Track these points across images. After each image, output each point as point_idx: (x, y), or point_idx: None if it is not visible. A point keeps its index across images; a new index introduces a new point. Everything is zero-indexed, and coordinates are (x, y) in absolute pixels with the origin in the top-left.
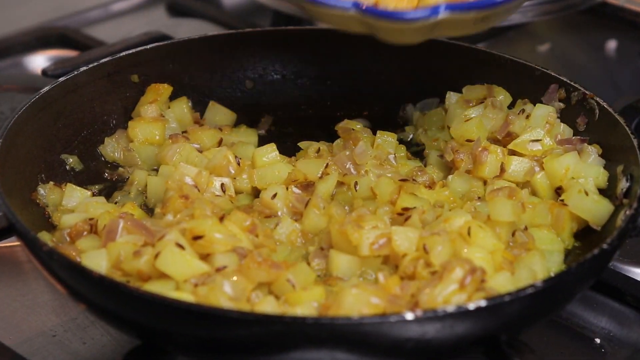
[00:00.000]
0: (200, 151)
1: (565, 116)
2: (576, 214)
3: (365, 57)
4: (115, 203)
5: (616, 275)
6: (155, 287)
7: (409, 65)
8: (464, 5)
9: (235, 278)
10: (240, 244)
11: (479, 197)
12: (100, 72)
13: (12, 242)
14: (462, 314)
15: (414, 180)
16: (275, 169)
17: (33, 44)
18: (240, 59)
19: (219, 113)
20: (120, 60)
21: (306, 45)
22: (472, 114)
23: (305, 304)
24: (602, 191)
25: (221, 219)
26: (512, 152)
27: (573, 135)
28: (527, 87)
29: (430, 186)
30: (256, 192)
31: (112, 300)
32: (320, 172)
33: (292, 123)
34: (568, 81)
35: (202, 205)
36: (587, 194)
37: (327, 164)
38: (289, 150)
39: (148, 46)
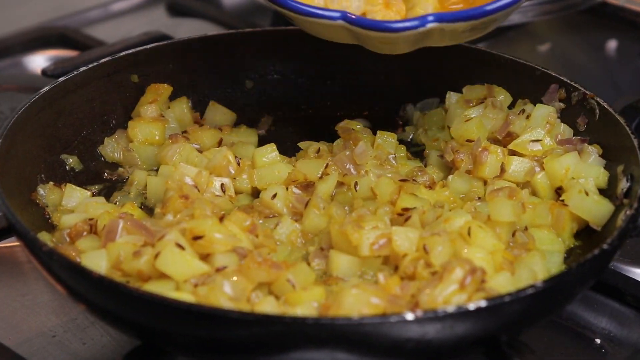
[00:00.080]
0: (200, 151)
1: (565, 116)
2: (576, 214)
3: (365, 57)
4: (115, 203)
5: (616, 275)
6: (155, 288)
7: (409, 65)
8: (452, 15)
9: (235, 278)
10: (240, 244)
11: (479, 198)
12: (100, 72)
13: (12, 243)
14: (462, 314)
15: (414, 180)
16: (275, 169)
17: (33, 43)
18: (240, 59)
19: (219, 113)
20: (120, 60)
21: (306, 45)
22: (472, 114)
23: (305, 304)
24: (602, 191)
25: (221, 219)
26: (513, 152)
27: (573, 136)
28: (527, 87)
29: (431, 186)
30: (256, 192)
31: (111, 301)
32: (320, 172)
33: (292, 123)
34: (568, 81)
35: (202, 205)
36: (587, 194)
37: (327, 164)
38: (289, 150)
39: (148, 46)
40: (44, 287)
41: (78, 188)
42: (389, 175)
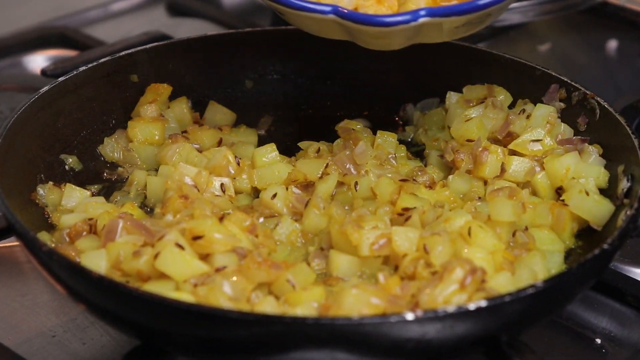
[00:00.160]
0: (200, 151)
1: (565, 116)
2: (577, 214)
3: (365, 57)
4: (115, 203)
5: (617, 275)
6: (155, 288)
7: (409, 65)
8: (445, 10)
9: (235, 278)
10: (240, 244)
11: (480, 197)
12: (100, 72)
13: (12, 242)
14: (462, 314)
15: (414, 180)
16: (275, 169)
17: (32, 43)
18: (240, 59)
19: (218, 113)
20: (120, 60)
21: (306, 45)
22: (472, 114)
23: (305, 304)
24: (602, 191)
25: (221, 219)
26: (513, 152)
27: (574, 135)
28: (527, 87)
29: (431, 186)
30: (256, 192)
31: (111, 301)
32: (320, 172)
33: (292, 123)
34: (569, 81)
35: (202, 205)
36: (587, 194)
37: (327, 164)
38: (289, 150)
39: (148, 46)
40: (44, 287)
41: (78, 188)
42: (389, 175)
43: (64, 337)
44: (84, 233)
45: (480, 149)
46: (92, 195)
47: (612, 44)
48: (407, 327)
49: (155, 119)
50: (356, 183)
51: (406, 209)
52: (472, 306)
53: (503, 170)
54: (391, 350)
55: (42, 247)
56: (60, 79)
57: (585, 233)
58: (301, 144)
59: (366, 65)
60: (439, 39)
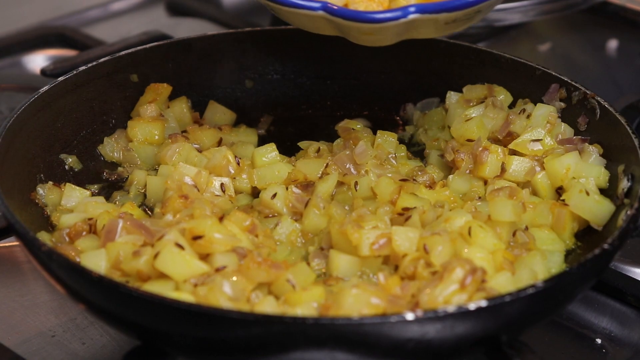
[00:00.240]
0: (200, 151)
1: (566, 116)
2: (577, 214)
3: (365, 57)
4: (115, 203)
5: (617, 275)
6: (155, 288)
7: (409, 65)
8: (435, 7)
9: (235, 278)
10: (240, 244)
11: (480, 197)
12: (100, 72)
13: (11, 242)
14: (462, 314)
15: (414, 180)
16: (275, 169)
17: (32, 43)
18: (240, 59)
19: (218, 112)
20: (120, 60)
21: (306, 45)
22: (472, 114)
23: (305, 304)
24: (603, 191)
25: (221, 219)
26: (513, 152)
27: (574, 135)
28: (527, 86)
29: (431, 186)
30: (256, 192)
31: (111, 301)
32: (320, 172)
33: (292, 123)
34: (569, 81)
35: (202, 205)
36: (588, 194)
37: (327, 164)
38: (289, 150)
39: (147, 46)
40: (43, 287)
41: (77, 188)
42: (389, 175)
43: (64, 337)
44: (84, 233)
45: (480, 148)
46: (92, 195)
47: (613, 44)
48: (407, 327)
49: (155, 118)
50: (356, 183)
51: (406, 209)
52: (472, 306)
53: (503, 170)
54: (391, 351)
55: (42, 247)
56: (60, 78)
57: (586, 233)
58: (301, 144)
59: (366, 65)
60: (429, 34)
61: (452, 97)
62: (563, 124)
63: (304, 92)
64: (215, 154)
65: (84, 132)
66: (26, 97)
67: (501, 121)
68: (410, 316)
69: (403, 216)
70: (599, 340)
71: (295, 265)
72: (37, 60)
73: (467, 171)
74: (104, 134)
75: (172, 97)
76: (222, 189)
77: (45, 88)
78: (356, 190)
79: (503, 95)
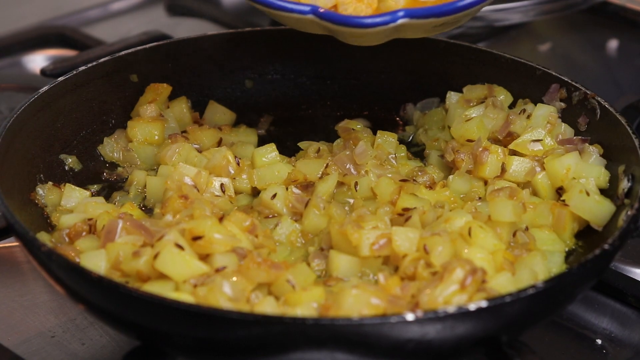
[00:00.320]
0: (200, 151)
1: (566, 116)
2: (577, 215)
3: (365, 57)
4: (115, 203)
5: (617, 275)
6: (155, 288)
7: (409, 65)
8: (424, 11)
9: (234, 278)
10: (239, 245)
11: (480, 198)
12: (99, 72)
13: (11, 243)
14: (462, 314)
15: (414, 180)
16: (275, 169)
17: (32, 43)
18: (239, 59)
19: (218, 113)
20: (120, 60)
21: (306, 45)
22: (472, 114)
23: (305, 304)
24: (603, 191)
25: (221, 219)
26: (513, 152)
27: (574, 135)
28: (528, 86)
29: (431, 186)
30: (256, 192)
31: (111, 301)
32: (320, 172)
33: (292, 123)
34: (569, 81)
35: (202, 205)
36: (588, 194)
37: (327, 164)
38: (289, 150)
39: (147, 46)
40: (43, 287)
41: (77, 188)
42: (389, 175)
43: (63, 338)
44: (84, 233)
45: (480, 149)
46: (92, 195)
47: (613, 44)
48: (408, 327)
49: (154, 118)
50: (356, 183)
51: (406, 209)
52: (472, 307)
53: (503, 170)
54: (391, 351)
55: (42, 247)
56: (60, 78)
57: (586, 233)
58: (301, 144)
59: (366, 65)
60: (417, 35)
61: (452, 97)
62: (563, 124)
63: (304, 92)
64: (215, 154)
65: (84, 132)
66: (26, 97)
67: (501, 121)
68: (410, 317)
69: (403, 216)
70: (599, 341)
71: (295, 266)
72: (37, 60)
73: (467, 171)
74: (104, 134)
75: (172, 97)
76: (222, 189)
77: (45, 88)
78: (356, 191)
79: (503, 96)
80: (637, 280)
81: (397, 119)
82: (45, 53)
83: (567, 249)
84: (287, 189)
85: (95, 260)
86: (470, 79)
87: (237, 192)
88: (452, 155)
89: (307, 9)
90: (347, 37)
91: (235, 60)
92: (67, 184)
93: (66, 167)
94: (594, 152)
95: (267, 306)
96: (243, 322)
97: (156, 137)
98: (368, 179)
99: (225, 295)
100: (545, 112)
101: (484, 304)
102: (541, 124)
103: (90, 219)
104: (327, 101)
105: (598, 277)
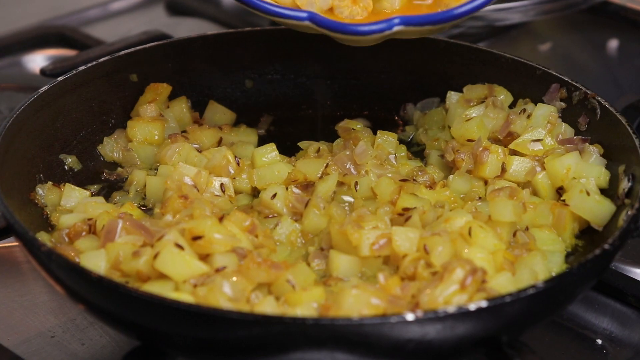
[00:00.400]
0: (200, 151)
1: (566, 116)
2: (577, 214)
3: (365, 57)
4: (114, 203)
5: (618, 275)
6: (155, 288)
7: (409, 65)
8: (419, 19)
9: (234, 278)
10: (239, 244)
11: (480, 197)
12: (99, 72)
13: (11, 243)
14: (463, 314)
15: (414, 180)
16: (275, 169)
17: (31, 43)
18: (239, 59)
19: (218, 112)
20: (119, 60)
21: (306, 45)
22: (472, 114)
23: (305, 304)
24: (603, 191)
25: (221, 219)
26: (513, 152)
27: (574, 135)
28: (528, 86)
29: (431, 186)
30: (256, 192)
31: (111, 301)
32: (320, 172)
33: (292, 123)
34: (569, 80)
35: (202, 205)
36: (588, 194)
37: (327, 164)
38: (289, 150)
39: (147, 45)
40: (43, 287)
41: (77, 188)
42: (389, 175)
43: (63, 338)
44: (83, 233)
45: (480, 148)
46: (92, 195)
47: (613, 44)
48: (408, 327)
49: (154, 118)
50: (356, 183)
51: (406, 209)
52: (472, 307)
53: (503, 170)
54: (391, 351)
55: (41, 247)
56: (60, 78)
57: (586, 233)
58: (301, 144)
59: (366, 65)
60: (414, 36)
61: (452, 97)
62: (563, 124)
63: (304, 92)
64: (215, 154)
65: (84, 132)
66: (26, 97)
67: (501, 121)
68: (410, 317)
69: (403, 216)
70: (599, 341)
71: (295, 266)
72: (37, 60)
73: (468, 171)
74: (104, 134)
75: (172, 97)
76: (222, 189)
77: (45, 88)
78: (356, 191)
79: (503, 95)
80: (637, 280)
81: (397, 119)
82: (45, 53)
83: (567, 249)
84: (287, 188)
85: (95, 260)
86: (471, 79)
87: (237, 192)
88: (452, 155)
89: (304, 15)
90: (344, 40)
91: (235, 60)
92: (67, 184)
93: (66, 167)
94: (594, 152)
95: (267, 306)
96: (243, 322)
97: (156, 137)
98: (368, 179)
99: (225, 295)
100: (545, 112)
101: (484, 304)
102: (541, 123)
103: (90, 219)
104: (327, 101)
105: (598, 277)
